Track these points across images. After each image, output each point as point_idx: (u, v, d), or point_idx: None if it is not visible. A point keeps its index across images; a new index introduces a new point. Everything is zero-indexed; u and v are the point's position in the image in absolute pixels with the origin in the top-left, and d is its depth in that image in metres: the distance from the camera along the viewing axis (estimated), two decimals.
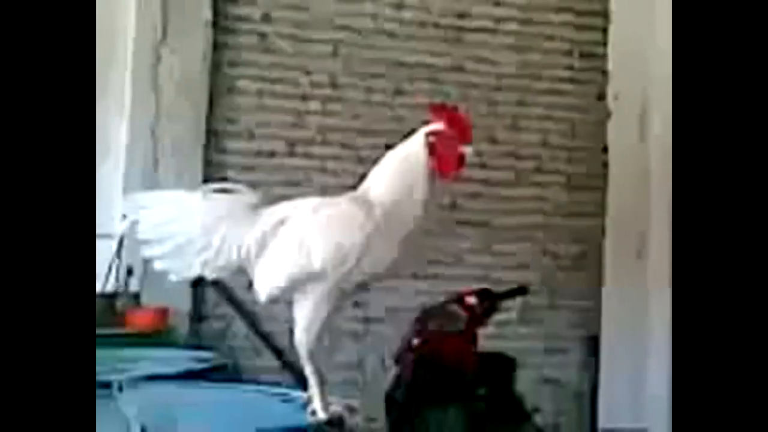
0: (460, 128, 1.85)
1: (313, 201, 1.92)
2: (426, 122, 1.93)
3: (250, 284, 1.93)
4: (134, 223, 1.91)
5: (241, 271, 1.89)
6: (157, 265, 1.88)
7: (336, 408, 1.85)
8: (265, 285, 1.86)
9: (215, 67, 3.92)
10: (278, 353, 3.39)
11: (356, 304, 3.96)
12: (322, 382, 1.87)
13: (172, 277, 1.89)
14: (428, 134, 1.85)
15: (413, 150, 1.86)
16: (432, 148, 1.84)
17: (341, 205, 1.86)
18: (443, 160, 1.84)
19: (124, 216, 1.94)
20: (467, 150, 1.84)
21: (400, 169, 1.86)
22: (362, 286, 1.88)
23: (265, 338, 3.48)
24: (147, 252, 1.89)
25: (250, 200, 1.92)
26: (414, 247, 1.86)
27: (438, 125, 1.85)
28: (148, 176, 3.69)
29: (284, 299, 1.88)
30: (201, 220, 1.86)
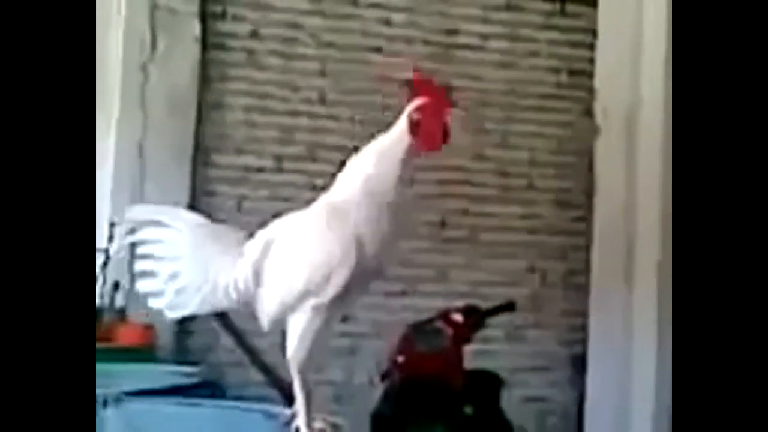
0: (438, 96, 1.86)
1: (290, 220, 1.93)
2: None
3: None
4: (129, 237, 1.91)
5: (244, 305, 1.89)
6: (153, 304, 1.88)
7: (320, 424, 1.85)
8: (263, 314, 1.87)
9: (203, 83, 3.92)
10: (265, 369, 3.37)
11: (343, 320, 3.95)
12: (309, 398, 1.86)
13: (168, 315, 1.89)
14: (412, 111, 1.85)
15: (394, 133, 1.86)
16: (416, 126, 1.84)
17: (316, 221, 1.87)
18: (428, 135, 1.84)
19: (112, 224, 1.95)
20: (455, 113, 1.84)
21: (375, 159, 1.86)
22: (352, 295, 1.88)
23: (252, 354, 3.46)
24: (141, 288, 1.89)
25: (237, 236, 1.93)
26: (391, 243, 1.88)
27: (418, 100, 1.85)
28: (136, 191, 3.68)
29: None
30: (194, 259, 1.86)
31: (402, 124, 1.86)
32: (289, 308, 1.83)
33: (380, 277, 1.98)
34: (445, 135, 1.84)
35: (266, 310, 1.85)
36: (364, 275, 1.85)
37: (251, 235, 1.93)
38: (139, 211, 2.00)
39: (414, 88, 1.87)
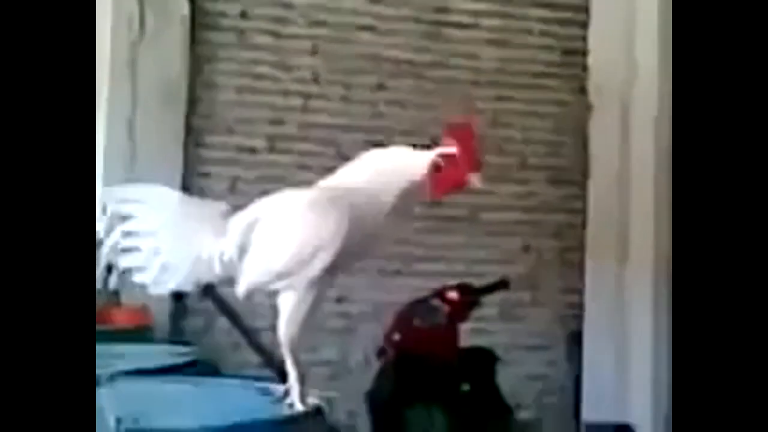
0: (467, 151, 1.85)
1: (280, 197, 1.92)
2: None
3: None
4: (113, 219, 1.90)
5: (226, 279, 1.88)
6: (137, 279, 1.87)
7: (314, 399, 1.84)
8: (242, 284, 1.86)
9: (193, 64, 3.90)
10: (259, 349, 3.37)
11: (339, 300, 3.96)
12: (301, 374, 1.85)
13: (152, 291, 1.88)
14: (439, 156, 1.85)
15: (416, 158, 1.86)
16: (435, 168, 1.84)
17: (307, 200, 1.86)
18: (442, 181, 1.84)
19: (104, 210, 1.93)
20: (474, 179, 1.85)
21: (390, 167, 1.86)
22: (339, 274, 1.88)
23: (247, 334, 3.46)
24: (124, 263, 1.87)
25: (221, 209, 1.92)
26: (378, 235, 1.88)
27: (450, 149, 1.85)
28: (127, 173, 3.65)
29: (262, 292, 1.88)
30: (176, 233, 1.85)
31: (426, 157, 1.86)
32: (271, 282, 1.82)
33: (366, 259, 1.98)
34: (460, 186, 1.85)
35: (246, 280, 1.84)
36: (350, 257, 1.86)
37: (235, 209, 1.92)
38: (113, 193, 1.98)
39: (449, 131, 1.87)
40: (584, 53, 4.33)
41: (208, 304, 3.66)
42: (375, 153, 1.90)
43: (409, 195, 1.87)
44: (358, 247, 1.85)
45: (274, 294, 1.89)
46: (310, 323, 1.86)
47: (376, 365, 3.36)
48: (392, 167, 1.86)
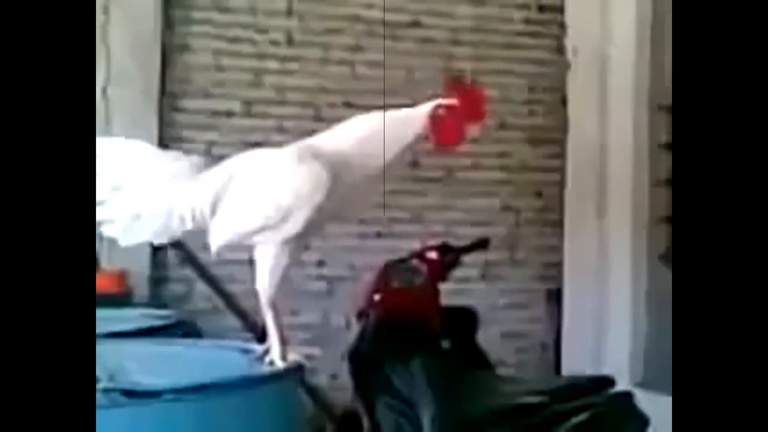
0: (472, 105, 1.83)
1: (259, 154, 1.89)
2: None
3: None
4: None
5: (198, 232, 1.86)
6: (106, 232, 1.84)
7: (294, 356, 1.83)
8: (216, 239, 1.84)
9: (167, 26, 3.84)
10: (239, 313, 3.36)
11: (319, 264, 3.95)
12: (282, 332, 1.85)
13: (123, 243, 1.85)
14: (438, 107, 1.82)
15: (413, 114, 1.83)
16: (436, 121, 1.81)
17: (285, 157, 1.83)
18: (446, 132, 1.82)
19: None
20: (475, 127, 1.83)
21: (387, 129, 1.84)
22: (312, 232, 1.87)
23: (227, 297, 3.45)
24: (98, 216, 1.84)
25: (195, 163, 1.89)
26: (360, 198, 1.88)
27: (450, 100, 1.82)
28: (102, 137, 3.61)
29: (237, 251, 1.87)
30: (150, 185, 1.82)
31: (424, 110, 1.82)
32: (246, 238, 1.81)
33: (345, 220, 1.97)
34: (462, 136, 1.83)
35: (220, 236, 1.82)
36: (329, 217, 1.85)
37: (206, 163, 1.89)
38: None
39: (451, 88, 1.84)
40: (561, 10, 4.31)
41: (187, 271, 3.65)
42: (370, 115, 1.87)
43: (401, 154, 1.84)
44: (337, 208, 1.84)
45: (251, 257, 1.88)
46: (288, 283, 1.86)
47: (357, 327, 3.36)
48: (388, 129, 1.83)
